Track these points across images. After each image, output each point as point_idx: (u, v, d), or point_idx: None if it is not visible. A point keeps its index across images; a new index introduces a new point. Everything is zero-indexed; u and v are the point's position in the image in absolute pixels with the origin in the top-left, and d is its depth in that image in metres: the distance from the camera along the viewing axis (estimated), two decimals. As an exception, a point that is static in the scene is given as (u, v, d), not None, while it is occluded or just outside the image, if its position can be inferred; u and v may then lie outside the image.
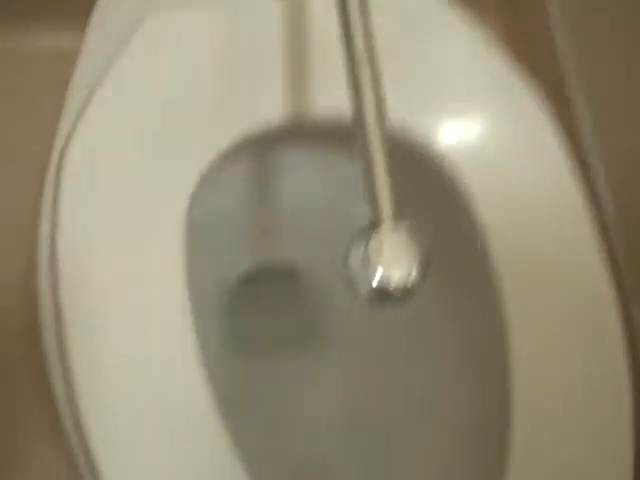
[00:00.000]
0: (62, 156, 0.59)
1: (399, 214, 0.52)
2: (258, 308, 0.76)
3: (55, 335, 0.57)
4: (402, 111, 0.63)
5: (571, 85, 0.88)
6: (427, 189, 0.66)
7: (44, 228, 0.63)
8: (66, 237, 0.58)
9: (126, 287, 0.58)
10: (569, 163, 0.64)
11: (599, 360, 0.61)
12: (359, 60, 0.54)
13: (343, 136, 0.57)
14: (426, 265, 0.51)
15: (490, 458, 0.62)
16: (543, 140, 0.64)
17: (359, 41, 0.54)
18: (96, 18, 0.70)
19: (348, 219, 0.59)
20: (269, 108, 0.63)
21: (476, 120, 0.65)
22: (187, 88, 0.62)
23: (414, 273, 0.51)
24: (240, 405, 0.72)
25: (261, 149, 0.69)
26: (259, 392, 0.74)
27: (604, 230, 0.67)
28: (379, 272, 0.50)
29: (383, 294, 0.51)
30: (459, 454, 0.68)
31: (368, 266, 0.50)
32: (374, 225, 0.52)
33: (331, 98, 0.62)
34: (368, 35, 0.55)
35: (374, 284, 0.50)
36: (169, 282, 0.58)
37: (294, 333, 0.77)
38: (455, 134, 0.64)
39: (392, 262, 0.50)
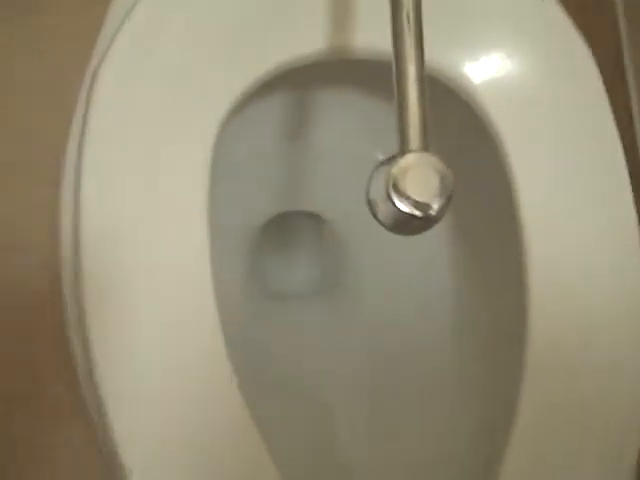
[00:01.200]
0: (90, 88, 0.60)
1: (428, 147, 0.53)
2: (281, 253, 0.77)
3: (73, 276, 0.58)
4: (443, 48, 0.63)
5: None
6: (461, 127, 0.66)
7: (69, 169, 0.64)
8: (91, 174, 0.58)
9: (148, 228, 0.58)
10: (611, 112, 0.64)
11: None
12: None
13: (382, 77, 0.57)
14: (449, 195, 0.51)
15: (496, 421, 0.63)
16: (588, 87, 0.64)
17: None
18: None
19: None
20: (305, 41, 0.63)
21: (521, 61, 0.64)
22: (219, 20, 0.62)
23: (437, 200, 0.51)
24: (257, 352, 0.73)
25: (293, 87, 0.69)
26: (277, 338, 0.75)
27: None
28: (401, 195, 0.51)
29: (403, 218, 0.51)
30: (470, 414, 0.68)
31: (390, 188, 0.51)
32: (401, 153, 0.52)
33: (371, 34, 0.62)
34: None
35: (394, 206, 0.51)
36: (191, 225, 0.58)
37: (316, 280, 0.78)
38: (496, 73, 0.64)
39: (415, 187, 0.51)
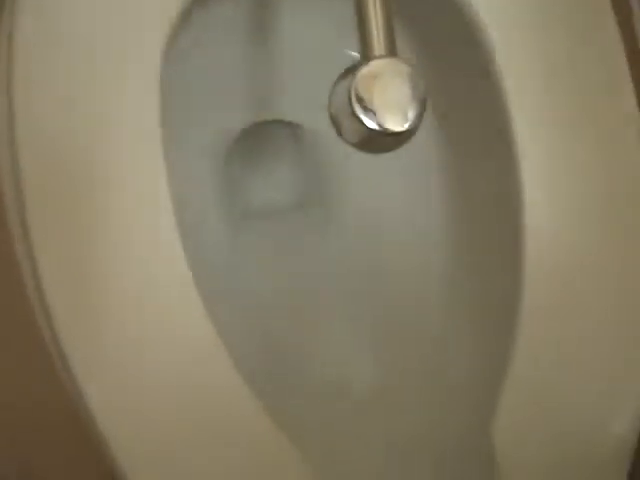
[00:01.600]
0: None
1: (395, 50, 0.46)
2: (258, 167, 0.71)
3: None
4: None
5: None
6: (438, 33, 0.59)
7: None
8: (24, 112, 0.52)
9: (95, 154, 0.52)
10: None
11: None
12: None
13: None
14: (422, 105, 0.45)
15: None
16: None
17: None
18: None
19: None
20: None
21: None
22: None
23: (408, 112, 0.45)
24: (232, 272, 0.68)
25: None
26: (256, 258, 0.70)
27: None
28: (366, 109, 0.45)
29: (371, 135, 0.45)
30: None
31: (354, 102, 0.45)
32: (364, 60, 0.46)
33: None
34: None
35: (360, 122, 0.45)
36: (145, 150, 0.53)
37: (296, 194, 0.72)
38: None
39: (382, 98, 0.45)
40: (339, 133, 0.46)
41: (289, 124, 0.71)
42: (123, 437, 0.49)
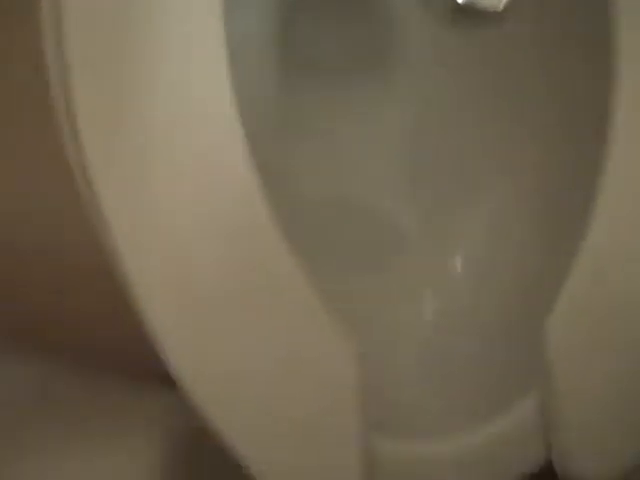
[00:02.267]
0: None
1: None
2: (320, 17, 0.67)
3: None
4: None
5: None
6: None
7: None
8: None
9: None
10: None
11: None
12: None
13: None
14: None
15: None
16: None
17: None
18: None
19: None
20: None
21: None
22: None
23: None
24: (290, 133, 0.65)
25: None
26: (312, 119, 0.66)
27: None
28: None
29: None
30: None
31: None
32: None
33: None
34: None
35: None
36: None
37: (360, 52, 0.67)
38: None
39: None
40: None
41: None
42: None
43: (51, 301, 0.66)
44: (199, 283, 0.46)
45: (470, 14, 0.41)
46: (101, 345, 0.66)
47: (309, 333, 0.48)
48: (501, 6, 0.41)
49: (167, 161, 0.46)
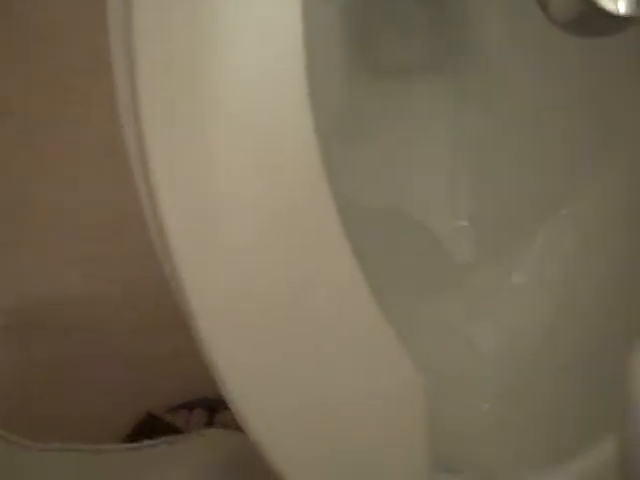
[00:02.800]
0: None
1: None
2: (386, 23, 0.63)
3: None
4: None
5: None
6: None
7: None
8: None
9: None
10: None
11: None
12: None
13: None
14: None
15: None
16: None
17: None
18: None
19: None
20: None
21: None
22: None
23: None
24: (352, 132, 0.61)
25: None
26: (376, 120, 0.62)
27: None
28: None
29: (582, 17, 0.37)
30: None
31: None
32: None
33: None
34: None
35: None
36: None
37: (425, 55, 0.63)
38: None
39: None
40: (544, 7, 0.38)
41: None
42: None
43: None
44: (263, 307, 0.42)
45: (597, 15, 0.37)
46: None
47: (380, 363, 0.44)
48: (624, 11, 0.36)
49: (231, 164, 0.42)
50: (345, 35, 0.62)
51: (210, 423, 0.80)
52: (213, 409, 0.80)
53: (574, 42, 0.44)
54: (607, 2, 0.37)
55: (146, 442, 0.68)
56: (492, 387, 0.55)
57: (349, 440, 0.44)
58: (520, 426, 0.53)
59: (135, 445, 0.68)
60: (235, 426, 0.43)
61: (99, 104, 0.56)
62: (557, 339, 0.56)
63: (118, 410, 0.77)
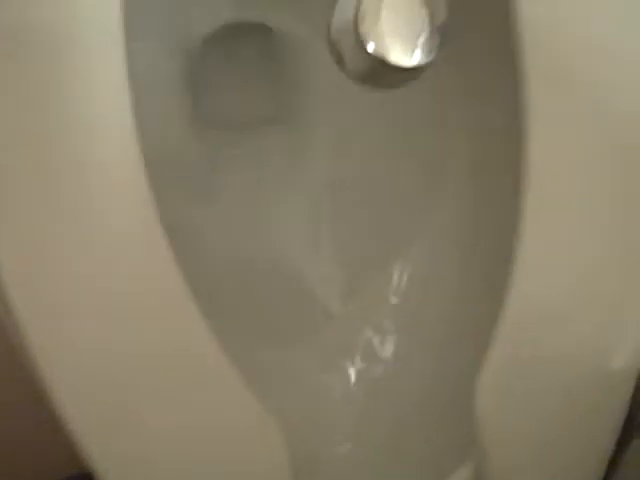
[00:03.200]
0: None
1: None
2: (226, 76, 0.64)
3: None
4: None
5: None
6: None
7: None
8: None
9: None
10: None
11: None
12: None
13: None
14: (443, 34, 0.39)
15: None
16: None
17: None
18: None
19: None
20: None
21: None
22: None
23: (423, 42, 0.38)
24: (201, 191, 0.62)
25: None
26: (223, 178, 0.63)
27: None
28: (375, 35, 0.38)
29: (375, 72, 0.39)
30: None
31: (360, 26, 0.38)
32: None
33: None
34: None
35: (365, 52, 0.38)
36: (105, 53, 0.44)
37: (267, 107, 0.65)
38: None
39: (394, 24, 0.38)
40: (338, 62, 0.39)
41: (262, 26, 0.64)
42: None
43: None
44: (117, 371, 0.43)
45: (387, 69, 0.38)
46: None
47: (236, 415, 0.45)
48: (413, 62, 0.38)
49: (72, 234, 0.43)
50: (189, 90, 0.63)
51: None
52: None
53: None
54: (399, 57, 0.39)
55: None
56: (348, 428, 0.56)
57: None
58: (377, 464, 0.54)
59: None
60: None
61: None
62: (407, 376, 0.57)
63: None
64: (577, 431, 0.51)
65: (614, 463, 0.53)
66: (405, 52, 0.38)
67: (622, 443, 0.53)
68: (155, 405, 0.45)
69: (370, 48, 0.38)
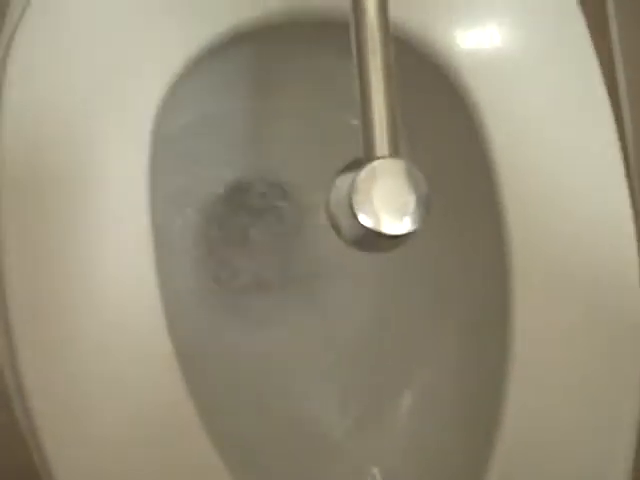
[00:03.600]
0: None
1: (398, 151, 0.46)
2: (237, 237, 0.70)
3: None
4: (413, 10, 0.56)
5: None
6: (431, 98, 0.59)
7: None
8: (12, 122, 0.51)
9: (82, 207, 0.51)
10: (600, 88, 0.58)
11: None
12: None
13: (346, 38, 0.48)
14: (425, 208, 0.45)
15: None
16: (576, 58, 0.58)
17: None
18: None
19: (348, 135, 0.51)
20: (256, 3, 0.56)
21: (498, 27, 0.57)
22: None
23: (409, 216, 0.44)
24: (207, 347, 0.67)
25: (246, 48, 0.62)
26: (231, 337, 0.68)
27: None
28: (367, 210, 0.44)
29: (370, 237, 0.44)
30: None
31: (354, 202, 0.44)
32: (366, 160, 0.45)
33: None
34: None
35: (359, 223, 0.44)
36: (131, 208, 0.52)
37: (277, 269, 0.71)
38: (472, 40, 0.57)
39: (384, 200, 0.44)
40: (336, 231, 0.45)
41: (274, 185, 0.70)
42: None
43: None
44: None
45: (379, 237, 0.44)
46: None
47: None
48: (404, 230, 0.44)
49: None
50: (197, 251, 0.69)
51: None
52: None
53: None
54: (392, 227, 0.44)
55: None
56: None
57: None
58: None
59: None
60: None
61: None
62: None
63: None
64: None
65: None
66: (395, 223, 0.44)
67: None
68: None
69: (364, 221, 0.44)
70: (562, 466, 0.55)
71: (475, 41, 0.57)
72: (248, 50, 0.63)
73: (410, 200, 0.44)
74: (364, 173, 0.44)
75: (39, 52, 0.53)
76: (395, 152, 0.45)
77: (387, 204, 0.44)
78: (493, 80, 0.57)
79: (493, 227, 0.57)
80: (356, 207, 0.44)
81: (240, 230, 0.71)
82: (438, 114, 0.62)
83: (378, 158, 0.45)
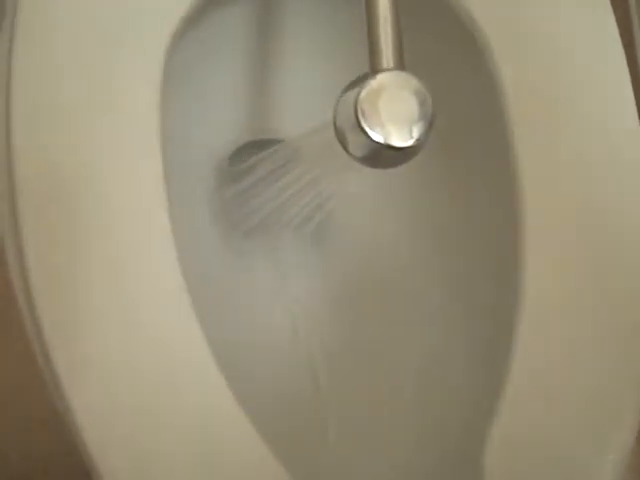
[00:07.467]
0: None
1: (403, 64, 0.45)
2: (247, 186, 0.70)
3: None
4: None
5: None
6: (443, 40, 0.58)
7: None
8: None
9: (96, 164, 0.51)
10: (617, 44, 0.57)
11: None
12: None
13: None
14: (430, 120, 0.44)
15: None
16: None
17: None
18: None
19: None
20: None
21: None
22: None
23: (415, 127, 0.44)
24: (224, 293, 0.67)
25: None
26: (246, 280, 0.68)
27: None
28: (373, 122, 0.44)
29: (376, 149, 0.44)
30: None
31: (360, 115, 0.44)
32: (372, 73, 0.45)
33: None
34: None
35: (365, 135, 0.44)
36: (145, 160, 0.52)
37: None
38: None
39: (389, 112, 0.44)
40: (344, 146, 0.45)
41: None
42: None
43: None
44: None
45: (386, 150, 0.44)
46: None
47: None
48: (411, 142, 0.44)
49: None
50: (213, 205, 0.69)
51: None
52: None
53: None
54: (399, 139, 0.44)
55: None
56: None
57: None
58: None
59: None
60: None
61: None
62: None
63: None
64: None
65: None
66: (401, 135, 0.44)
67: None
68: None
69: (372, 134, 0.44)
70: (569, 413, 0.55)
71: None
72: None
73: (416, 112, 0.44)
74: (370, 85, 0.44)
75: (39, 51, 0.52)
76: (401, 65, 0.45)
77: (393, 116, 0.44)
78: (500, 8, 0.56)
79: (503, 168, 0.56)
80: (363, 120, 0.44)
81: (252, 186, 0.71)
82: (442, 46, 0.61)
83: (384, 70, 0.45)
